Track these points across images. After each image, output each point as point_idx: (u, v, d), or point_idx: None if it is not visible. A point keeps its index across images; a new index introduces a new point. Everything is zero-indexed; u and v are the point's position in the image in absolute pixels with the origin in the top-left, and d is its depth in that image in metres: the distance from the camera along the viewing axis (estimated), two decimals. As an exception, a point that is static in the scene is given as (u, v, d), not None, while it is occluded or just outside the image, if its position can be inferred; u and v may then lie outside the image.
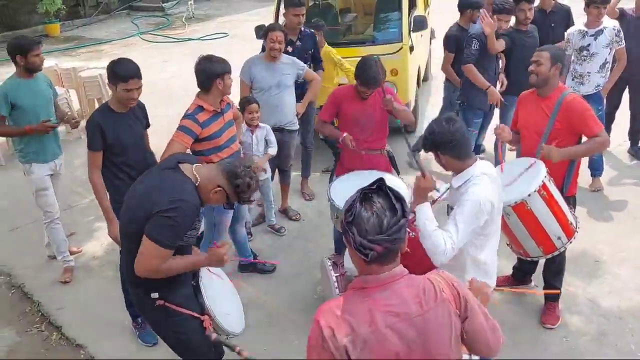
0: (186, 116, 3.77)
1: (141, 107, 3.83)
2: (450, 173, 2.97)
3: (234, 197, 2.68)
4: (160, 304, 2.70)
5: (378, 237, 1.71)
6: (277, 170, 5.18)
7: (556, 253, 3.41)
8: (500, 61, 5.45)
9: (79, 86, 7.80)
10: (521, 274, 4.25)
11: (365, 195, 1.76)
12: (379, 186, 1.77)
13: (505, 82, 5.39)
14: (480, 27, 5.15)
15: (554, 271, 3.93)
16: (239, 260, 4.57)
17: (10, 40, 4.35)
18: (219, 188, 2.63)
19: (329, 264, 3.69)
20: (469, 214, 2.71)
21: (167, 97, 8.08)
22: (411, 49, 6.18)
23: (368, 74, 3.95)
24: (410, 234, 2.98)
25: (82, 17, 14.54)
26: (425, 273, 1.92)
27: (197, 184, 2.62)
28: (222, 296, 2.98)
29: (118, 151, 3.65)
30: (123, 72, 3.50)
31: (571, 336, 3.84)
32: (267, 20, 6.79)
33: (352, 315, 1.76)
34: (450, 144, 2.79)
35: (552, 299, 3.98)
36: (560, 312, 3.98)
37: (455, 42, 5.64)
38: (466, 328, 1.86)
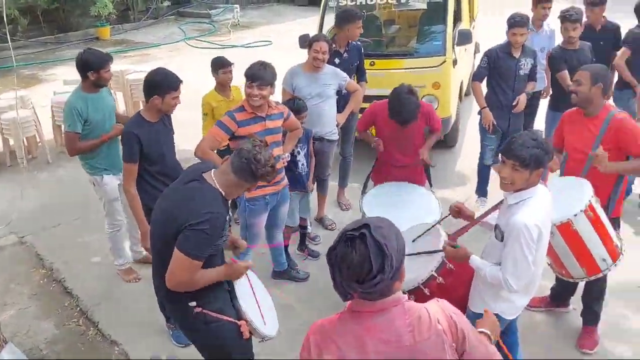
0: (226, 113, 3.90)
1: (168, 116, 3.90)
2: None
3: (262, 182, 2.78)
4: (199, 311, 2.73)
5: (355, 286, 1.71)
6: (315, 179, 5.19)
7: (600, 275, 3.32)
8: (531, 82, 5.31)
9: (126, 88, 8.03)
10: (560, 296, 4.15)
11: (348, 239, 1.73)
12: (362, 233, 1.72)
13: (520, 101, 5.18)
14: (505, 43, 5.10)
15: (594, 295, 3.83)
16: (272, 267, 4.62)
17: (82, 55, 4.20)
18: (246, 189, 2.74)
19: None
20: (521, 252, 2.69)
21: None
22: (454, 62, 6.14)
23: (402, 114, 4.02)
24: (447, 266, 3.01)
25: (131, 22, 14.97)
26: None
27: (223, 194, 2.66)
28: (255, 299, 3.01)
29: (154, 160, 3.74)
30: (174, 81, 3.62)
31: (610, 363, 3.73)
32: (311, 29, 6.85)
33: (342, 338, 1.77)
34: (547, 160, 2.75)
35: (590, 323, 3.87)
36: (599, 337, 3.86)
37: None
38: None
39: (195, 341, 2.96)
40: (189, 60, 11.21)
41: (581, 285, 3.87)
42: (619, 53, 5.57)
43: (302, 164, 4.56)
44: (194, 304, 2.72)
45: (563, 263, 3.37)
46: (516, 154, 2.70)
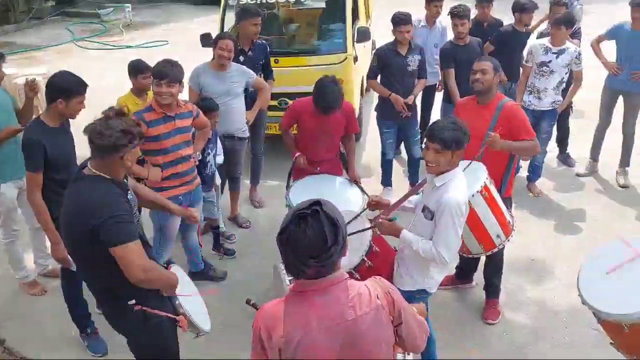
0: (134, 113, 3.83)
1: (68, 120, 3.74)
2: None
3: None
4: (138, 308, 2.67)
5: (310, 262, 1.80)
6: (227, 178, 5.19)
7: (495, 250, 3.59)
8: (421, 79, 5.50)
9: (15, 93, 7.50)
10: (464, 273, 4.46)
11: (300, 217, 1.81)
12: (315, 210, 1.82)
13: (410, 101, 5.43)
14: (392, 41, 5.32)
15: (493, 269, 4.17)
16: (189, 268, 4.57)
17: None
18: (124, 163, 2.63)
19: (282, 268, 3.75)
20: (453, 227, 2.94)
21: (105, 106, 7.89)
22: (355, 59, 6.37)
23: (328, 101, 4.10)
24: (374, 249, 3.18)
25: (12, 23, 13.98)
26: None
27: (108, 177, 2.60)
28: (190, 294, 3.01)
29: (60, 168, 3.54)
30: (81, 85, 3.47)
31: (511, 331, 4.08)
32: (208, 28, 6.81)
33: (289, 317, 1.85)
34: (465, 142, 3.00)
35: (492, 296, 4.21)
36: (501, 308, 4.22)
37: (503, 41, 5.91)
38: (400, 333, 1.98)
39: (134, 341, 2.89)
40: (80, 62, 10.68)
41: (482, 262, 4.21)
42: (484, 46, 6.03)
43: (211, 165, 4.56)
44: (133, 301, 2.66)
45: (463, 240, 3.63)
46: (438, 137, 2.93)
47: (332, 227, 1.80)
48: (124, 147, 2.59)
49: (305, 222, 1.79)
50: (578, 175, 6.24)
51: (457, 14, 5.48)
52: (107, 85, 9.42)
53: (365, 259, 3.17)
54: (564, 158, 6.52)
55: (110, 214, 2.47)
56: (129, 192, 2.72)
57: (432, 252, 2.99)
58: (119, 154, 2.59)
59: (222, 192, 5.16)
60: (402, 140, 5.89)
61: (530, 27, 6.10)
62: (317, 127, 4.29)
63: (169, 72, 3.69)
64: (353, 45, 6.29)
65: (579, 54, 5.44)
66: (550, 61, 5.41)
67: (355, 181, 4.42)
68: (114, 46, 12.33)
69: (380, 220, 3.19)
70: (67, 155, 3.60)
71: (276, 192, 5.81)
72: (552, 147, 6.51)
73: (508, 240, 3.59)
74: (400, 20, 5.14)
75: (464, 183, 3.07)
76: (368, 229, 3.27)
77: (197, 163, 4.16)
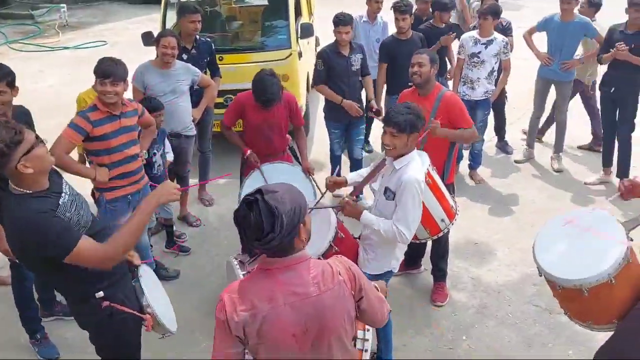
0: (78, 113, 3.77)
1: (25, 113, 3.64)
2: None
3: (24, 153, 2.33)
4: (106, 305, 2.63)
5: (255, 244, 1.90)
6: (175, 176, 5.16)
7: (441, 234, 3.71)
8: (366, 76, 5.58)
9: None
10: (412, 259, 4.61)
11: (248, 202, 1.91)
12: (256, 198, 1.89)
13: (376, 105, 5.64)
14: (333, 42, 5.37)
15: (440, 254, 4.35)
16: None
17: None
18: (21, 172, 2.33)
19: (235, 263, 3.78)
20: (412, 204, 3.10)
21: (46, 108, 7.67)
22: (300, 55, 6.44)
23: (267, 94, 4.11)
24: (339, 235, 3.34)
25: (-62, 25, 13.32)
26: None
27: (29, 192, 2.40)
28: (158, 295, 3.01)
29: None
30: None
31: (458, 311, 4.26)
32: (147, 27, 6.72)
33: (254, 293, 1.94)
34: (420, 125, 3.16)
35: (440, 279, 4.39)
36: (448, 291, 4.40)
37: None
38: (361, 307, 2.09)
39: (99, 338, 2.84)
40: (16, 64, 10.23)
41: (429, 248, 4.38)
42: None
43: (159, 165, 4.53)
44: (101, 294, 2.62)
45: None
46: (393, 121, 3.08)
47: (269, 216, 1.86)
48: (7, 161, 2.30)
49: (249, 208, 1.89)
50: (516, 162, 6.54)
51: (399, 8, 5.64)
52: (44, 88, 9.17)
53: (333, 244, 3.28)
54: (502, 146, 6.82)
55: (40, 243, 2.31)
56: (62, 195, 2.50)
57: (392, 230, 3.11)
58: (8, 167, 2.34)
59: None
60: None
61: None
62: (262, 121, 4.31)
63: (113, 70, 3.64)
64: (297, 41, 6.36)
65: (507, 43, 5.75)
66: (480, 52, 5.67)
67: (308, 172, 4.45)
68: (51, 48, 11.93)
69: (346, 199, 3.30)
70: None
71: (225, 189, 5.82)
72: (492, 137, 6.79)
73: (452, 224, 3.72)
74: (339, 22, 5.21)
75: (420, 165, 3.25)
76: (333, 207, 3.44)
77: (145, 162, 4.13)
